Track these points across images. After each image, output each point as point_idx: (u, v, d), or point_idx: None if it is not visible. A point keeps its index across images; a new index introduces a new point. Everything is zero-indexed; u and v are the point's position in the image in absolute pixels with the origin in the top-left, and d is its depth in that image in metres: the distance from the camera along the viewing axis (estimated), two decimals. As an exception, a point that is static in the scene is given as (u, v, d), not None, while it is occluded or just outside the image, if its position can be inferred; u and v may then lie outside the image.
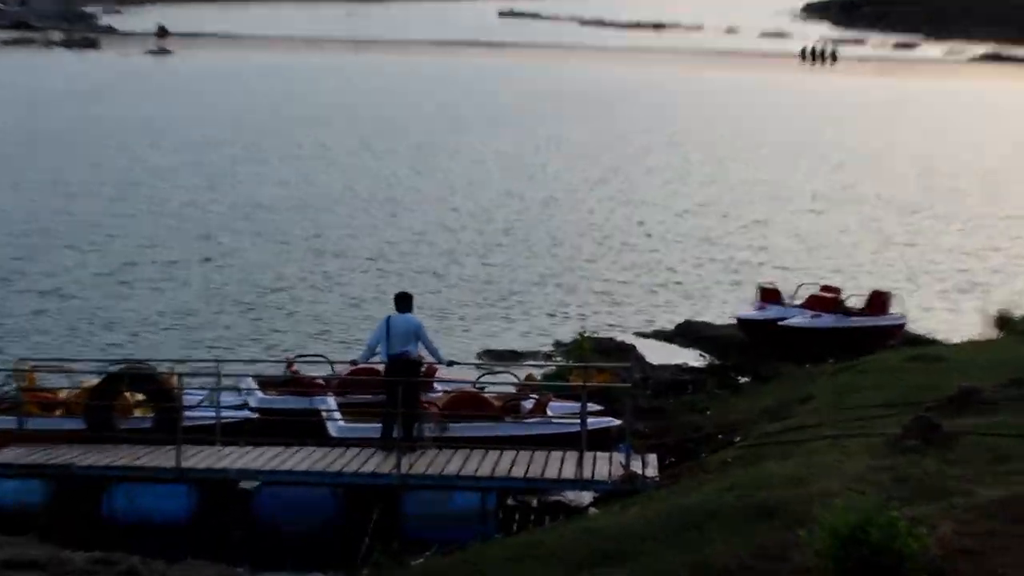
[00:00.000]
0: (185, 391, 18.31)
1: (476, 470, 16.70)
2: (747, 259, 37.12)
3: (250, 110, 76.23)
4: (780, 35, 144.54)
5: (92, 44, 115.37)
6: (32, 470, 16.78)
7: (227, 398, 19.31)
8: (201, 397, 18.98)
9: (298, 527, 16.35)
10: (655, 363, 25.32)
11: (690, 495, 14.24)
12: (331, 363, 21.44)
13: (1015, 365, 19.07)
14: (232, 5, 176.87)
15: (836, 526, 10.74)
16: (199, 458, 17.18)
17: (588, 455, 17.13)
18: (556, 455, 17.28)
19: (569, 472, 16.77)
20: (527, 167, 56.55)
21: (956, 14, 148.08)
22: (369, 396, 18.93)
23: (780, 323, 26.28)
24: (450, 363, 18.31)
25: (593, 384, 19.52)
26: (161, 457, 17.16)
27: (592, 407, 18.70)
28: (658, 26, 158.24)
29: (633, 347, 26.34)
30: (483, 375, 21.12)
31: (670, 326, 28.82)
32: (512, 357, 25.37)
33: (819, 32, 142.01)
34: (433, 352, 17.61)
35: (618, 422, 18.73)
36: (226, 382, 19.94)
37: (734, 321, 27.76)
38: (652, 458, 17.37)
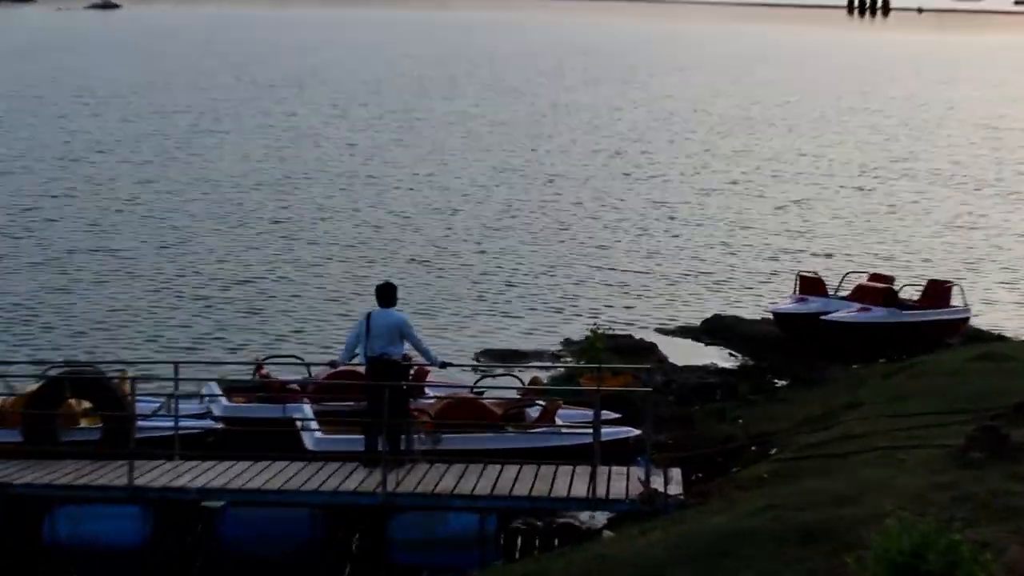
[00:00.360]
0: (138, 398, 18.36)
1: (473, 488, 16.66)
2: (784, 244, 37.19)
3: (209, 72, 76.42)
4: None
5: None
6: (-39, 490, 16.81)
7: (187, 406, 19.29)
8: (157, 405, 18.98)
9: (269, 553, 16.30)
10: (679, 364, 25.39)
11: (720, 516, 14.31)
12: (307, 365, 21.47)
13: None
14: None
15: (890, 551, 10.79)
16: (155, 475, 17.16)
17: (602, 470, 17.15)
18: (565, 470, 17.31)
19: (580, 490, 16.80)
20: (530, 138, 56.65)
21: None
22: (351, 403, 19.00)
23: (823, 318, 26.33)
24: (443, 364, 18.36)
25: (608, 388, 19.57)
26: (111, 474, 17.12)
27: (607, 415, 18.72)
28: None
29: (653, 346, 26.38)
30: (481, 378, 21.12)
31: (696, 322, 28.89)
32: (515, 358, 25.39)
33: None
34: (423, 352, 17.66)
35: (637, 432, 18.73)
36: (185, 387, 19.97)
37: (770, 316, 27.81)
38: (676, 473, 17.41)
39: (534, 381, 20.82)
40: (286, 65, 79.36)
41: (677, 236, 38.07)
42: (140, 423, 17.93)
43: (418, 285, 31.29)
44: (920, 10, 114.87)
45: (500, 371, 22.44)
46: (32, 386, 18.75)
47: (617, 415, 19.57)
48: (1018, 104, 70.46)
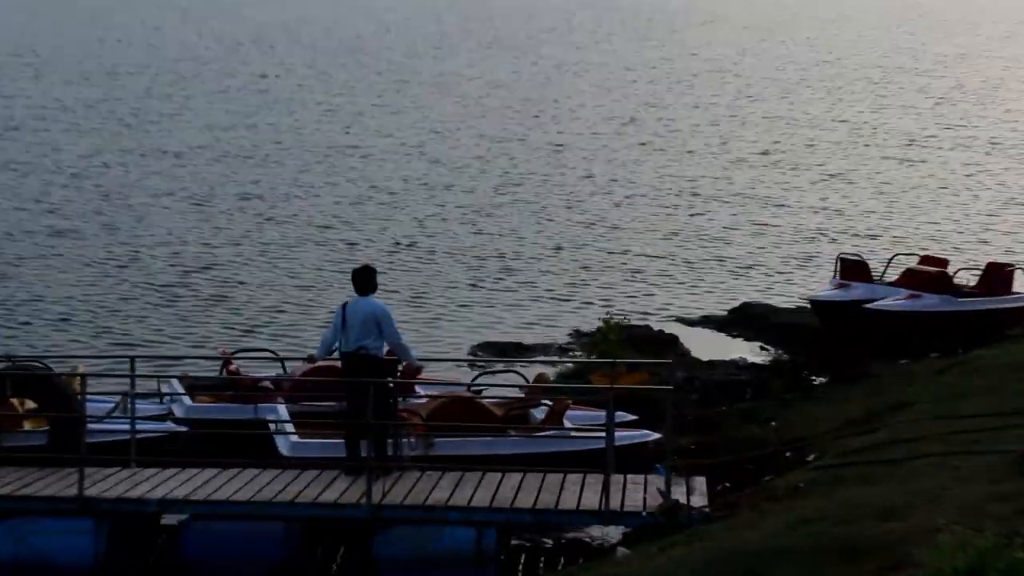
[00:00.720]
0: (89, 397, 18.41)
1: (470, 499, 16.66)
2: (823, 224, 37.24)
3: (167, 28, 76.41)
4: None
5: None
6: None
7: (144, 406, 19.33)
8: (111, 405, 19.02)
9: (238, 573, 16.30)
10: (703, 359, 25.46)
11: (750, 531, 14.36)
12: (281, 360, 21.50)
13: None
14: None
15: (943, 571, 10.83)
16: (109, 484, 17.17)
17: (616, 479, 17.20)
18: (575, 479, 17.36)
19: (591, 501, 16.84)
20: (532, 103, 56.69)
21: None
22: (331, 403, 19.05)
23: (867, 306, 26.38)
24: (418, 369, 18.16)
25: (623, 386, 19.61)
26: (59, 483, 17.10)
27: (621, 416, 18.78)
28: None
29: (674, 338, 26.44)
30: (480, 375, 21.18)
31: (722, 311, 28.96)
32: (517, 352, 25.45)
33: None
34: (399, 348, 17.51)
35: (655, 436, 18.78)
36: (143, 385, 20.00)
37: (806, 304, 27.87)
38: (700, 483, 17.45)
39: (539, 378, 20.83)
40: (255, 19, 79.37)
41: (700, 214, 38.12)
42: (91, 426, 17.97)
43: (406, 270, 31.34)
44: None
45: (501, 367, 22.48)
46: (-31, 384, 18.75)
47: (633, 417, 19.62)
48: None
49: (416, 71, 64.90)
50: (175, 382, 20.19)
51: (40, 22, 75.14)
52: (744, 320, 28.28)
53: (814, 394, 23.38)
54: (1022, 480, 14.66)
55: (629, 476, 17.55)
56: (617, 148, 47.60)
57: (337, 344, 17.59)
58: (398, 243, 34.02)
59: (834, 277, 27.78)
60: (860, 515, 13.95)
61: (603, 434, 17.21)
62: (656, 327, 27.13)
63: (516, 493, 16.94)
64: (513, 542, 17.60)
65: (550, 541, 17.89)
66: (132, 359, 19.05)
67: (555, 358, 25.06)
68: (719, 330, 28.01)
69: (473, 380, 20.60)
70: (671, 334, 26.75)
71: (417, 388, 20.04)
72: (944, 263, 27.91)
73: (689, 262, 33.16)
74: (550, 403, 19.32)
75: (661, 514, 16.46)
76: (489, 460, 17.83)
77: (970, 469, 15.45)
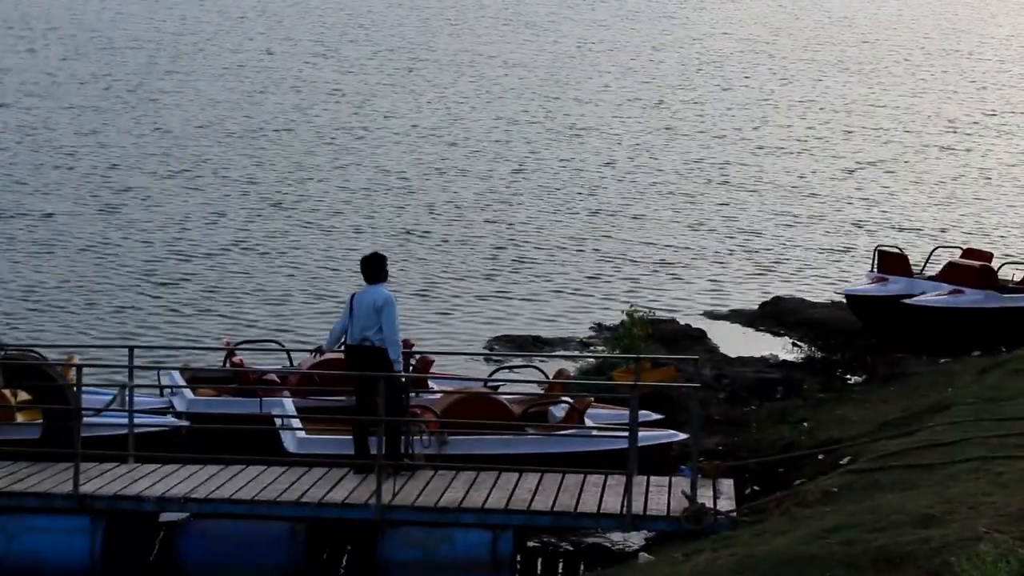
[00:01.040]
0: (86, 388, 18.48)
1: (485, 500, 16.70)
2: (859, 215, 37.23)
3: (167, 0, 76.43)
4: None
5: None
6: None
7: (143, 399, 19.41)
8: (108, 397, 19.09)
9: (240, 575, 16.67)
10: (732, 356, 25.50)
11: (780, 538, 14.38)
12: (287, 352, 21.58)
13: None
14: None
15: (984, 581, 10.87)
16: (105, 480, 17.22)
17: (639, 481, 17.25)
18: (595, 480, 17.40)
19: (613, 504, 16.88)
20: (552, 84, 56.68)
21: None
22: (340, 398, 19.12)
23: (906, 301, 26.38)
24: (390, 375, 17.77)
25: (647, 383, 19.66)
26: (53, 479, 17.16)
27: (645, 415, 18.83)
28: None
29: (702, 333, 26.51)
30: (497, 370, 21.22)
31: (753, 305, 28.99)
32: (536, 346, 25.51)
33: None
34: (387, 340, 17.36)
35: (681, 436, 18.85)
36: (142, 377, 20.10)
37: (842, 298, 27.89)
38: (727, 486, 17.49)
39: (560, 374, 20.90)
40: (260, -7, 79.48)
41: (729, 203, 38.12)
42: (88, 419, 18.05)
43: (419, 260, 31.39)
44: None
45: (519, 362, 22.53)
46: (-41, 375, 18.84)
47: (658, 416, 19.66)
48: None
49: (431, 49, 64.91)
50: (176, 374, 20.25)
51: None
52: (775, 315, 28.30)
53: (849, 394, 23.40)
54: (1068, 487, 14.68)
55: (653, 478, 17.58)
56: (642, 133, 47.60)
57: (348, 334, 17.63)
58: (410, 231, 34.06)
59: (871, 270, 27.78)
60: (896, 522, 13.97)
61: (626, 434, 17.24)
62: (682, 322, 27.19)
63: (534, 495, 16.97)
64: (530, 546, 17.65)
65: (569, 545, 17.95)
66: (131, 349, 19.09)
67: (576, 353, 25.10)
68: (749, 325, 28.04)
69: (490, 375, 20.66)
70: (698, 329, 26.80)
71: (431, 383, 20.13)
72: (988, 257, 27.88)
73: (718, 254, 33.17)
74: (570, 400, 19.36)
75: (686, 518, 16.49)
76: (506, 459, 17.87)
77: (1013, 475, 15.48)
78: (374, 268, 17.68)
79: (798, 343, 27.06)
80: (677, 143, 46.09)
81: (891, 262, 27.54)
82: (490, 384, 20.02)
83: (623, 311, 25.65)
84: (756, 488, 18.76)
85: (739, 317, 28.46)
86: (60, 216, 34.33)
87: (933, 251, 28.67)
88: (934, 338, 25.53)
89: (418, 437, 18.02)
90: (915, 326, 26.04)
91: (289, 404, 19.27)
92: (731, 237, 34.64)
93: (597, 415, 19.38)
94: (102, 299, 28.16)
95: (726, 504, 16.87)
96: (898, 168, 43.22)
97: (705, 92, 56.24)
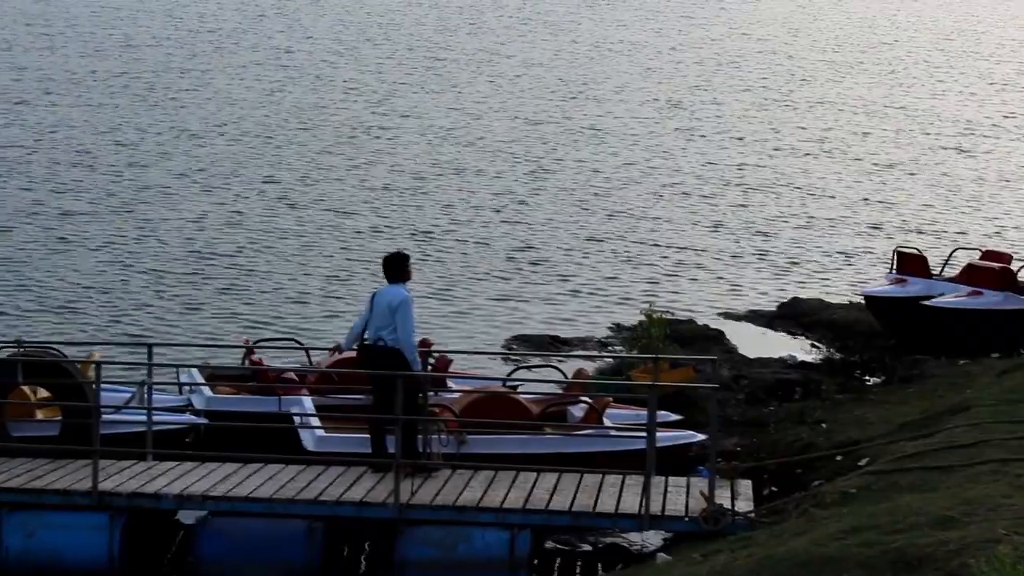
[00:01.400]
0: (104, 386, 18.52)
1: (503, 500, 16.75)
2: (878, 216, 37.19)
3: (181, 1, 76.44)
4: None
5: None
6: None
7: (162, 396, 19.53)
8: (127, 395, 19.11)
9: (257, 573, 16.39)
10: (750, 356, 25.50)
11: (798, 539, 14.39)
12: (306, 350, 21.66)
13: None
14: None
15: (1002, 584, 10.86)
16: (124, 478, 17.29)
17: (657, 481, 17.26)
18: (613, 481, 17.41)
19: (631, 504, 16.90)
20: (570, 84, 56.67)
21: None
22: (358, 396, 19.14)
23: (925, 303, 26.36)
24: (408, 374, 17.69)
25: (666, 384, 19.69)
26: (72, 476, 17.25)
27: (664, 416, 18.83)
28: None
29: (720, 334, 26.50)
30: (516, 370, 21.24)
31: (771, 306, 28.98)
32: (555, 346, 25.52)
33: None
34: (401, 341, 17.34)
35: (700, 437, 18.87)
36: (161, 374, 20.14)
37: (861, 299, 27.87)
38: (745, 487, 17.49)
39: (578, 374, 20.93)
40: (278, -9, 79.53)
41: (747, 204, 38.10)
42: (107, 416, 18.10)
43: (436, 260, 31.41)
44: None
45: (537, 361, 22.54)
46: (-23, 371, 18.88)
47: (677, 416, 19.67)
48: None
49: (449, 48, 64.93)
50: (195, 371, 20.27)
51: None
52: (794, 316, 28.29)
53: (867, 395, 23.40)
54: (1087, 489, 14.66)
55: (671, 479, 17.61)
56: (660, 133, 47.58)
57: (368, 333, 17.65)
58: (427, 232, 34.07)
59: (890, 271, 27.76)
60: (915, 524, 13.97)
61: (644, 434, 17.25)
62: (700, 322, 27.18)
63: (552, 494, 17.00)
64: (548, 546, 17.68)
65: (587, 545, 17.98)
66: (150, 346, 19.17)
67: (595, 353, 25.11)
68: (767, 326, 28.03)
69: (509, 375, 20.69)
70: (716, 330, 26.80)
71: (450, 382, 20.15)
72: (1007, 258, 27.84)
73: (736, 254, 33.15)
74: (589, 400, 19.38)
75: (704, 519, 16.52)
76: (524, 459, 17.90)
77: (1033, 477, 15.47)
78: (394, 267, 17.73)
79: (816, 344, 27.05)
80: (695, 144, 46.06)
81: (910, 263, 27.52)
82: (509, 384, 20.04)
83: (641, 311, 25.68)
84: (774, 489, 18.78)
85: (757, 318, 28.45)
86: (78, 214, 34.39)
87: (952, 253, 28.63)
88: (953, 340, 25.51)
89: (437, 436, 18.04)
90: (934, 327, 26.02)
91: (308, 402, 19.32)
92: (749, 238, 34.62)
93: (615, 415, 19.41)
94: (121, 297, 28.22)
95: (744, 505, 16.90)
96: (917, 170, 43.16)
97: (723, 93, 56.19)
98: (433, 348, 20.24)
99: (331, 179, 39.25)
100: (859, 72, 61.42)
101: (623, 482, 17.41)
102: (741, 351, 25.79)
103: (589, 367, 22.92)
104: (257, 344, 21.61)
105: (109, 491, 16.97)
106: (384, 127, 46.89)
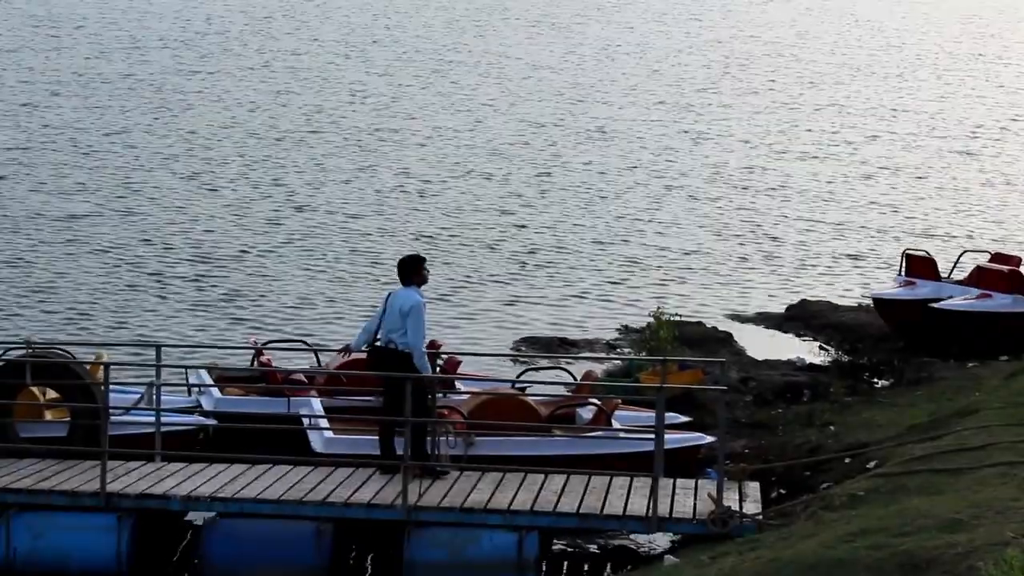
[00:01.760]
0: (113, 387, 18.54)
1: (511, 502, 16.76)
2: (886, 219, 37.18)
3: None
4: None
5: None
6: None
7: (171, 397, 19.54)
8: (136, 396, 19.16)
9: (266, 575, 16.46)
10: (759, 359, 25.50)
11: (806, 541, 14.39)
12: (315, 351, 21.71)
13: None
14: None
15: (1011, 586, 10.86)
16: (132, 479, 17.30)
17: (665, 483, 17.26)
18: (621, 483, 17.42)
19: (639, 506, 16.90)
20: (575, 86, 56.69)
21: None
22: (368, 398, 19.16)
23: (934, 305, 26.35)
24: (417, 376, 17.72)
25: (674, 386, 19.72)
26: (79, 477, 17.27)
27: (672, 417, 18.85)
28: None
29: (728, 336, 26.50)
30: (524, 372, 21.25)
31: (779, 308, 28.97)
32: (563, 348, 25.52)
33: None
34: (411, 346, 17.29)
35: (708, 439, 18.88)
36: (169, 376, 20.16)
37: (869, 302, 27.87)
38: (753, 489, 17.49)
39: (587, 376, 20.93)
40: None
41: (755, 207, 38.10)
42: (115, 417, 18.12)
43: (445, 263, 31.41)
44: None
45: (546, 363, 22.53)
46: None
47: (685, 418, 19.66)
48: None
49: (456, 50, 64.95)
50: (203, 373, 20.28)
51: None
52: (802, 318, 28.28)
53: (876, 397, 23.38)
54: (1097, 492, 14.66)
55: (679, 481, 17.61)
56: (667, 136, 47.58)
57: (380, 335, 17.63)
58: (435, 234, 34.07)
59: (899, 274, 27.75)
60: (923, 527, 13.98)
61: (652, 436, 17.26)
62: (709, 324, 27.17)
63: (560, 496, 17.00)
64: (556, 547, 17.69)
65: (595, 547, 17.98)
66: (158, 347, 19.16)
67: (603, 355, 25.13)
68: (776, 328, 28.03)
69: (518, 377, 20.69)
70: (725, 332, 26.80)
71: (459, 384, 20.16)
72: (1016, 261, 27.83)
73: (744, 257, 33.16)
74: (597, 402, 19.39)
75: (712, 521, 16.52)
76: (532, 461, 17.90)
77: (1041, 480, 15.47)
78: (406, 270, 17.74)
79: (825, 346, 27.05)
80: (702, 147, 46.07)
81: (919, 266, 27.52)
82: (517, 385, 20.05)
83: (649, 313, 25.69)
84: (782, 491, 18.78)
85: (766, 320, 28.46)
86: (86, 216, 34.42)
87: (961, 255, 28.62)
88: (962, 342, 25.50)
89: (445, 438, 18.06)
90: (943, 330, 26.01)
91: (317, 404, 19.33)
92: (757, 240, 34.63)
93: (624, 417, 19.40)
94: (129, 298, 28.25)
95: (752, 507, 16.90)
96: (925, 173, 43.15)
97: (730, 96, 56.19)
98: (442, 350, 20.25)
99: (339, 181, 39.29)
100: (867, 75, 61.39)
101: (631, 484, 17.41)
102: (749, 353, 25.79)
103: (598, 369, 22.92)
104: (266, 346, 21.62)
105: (117, 492, 16.98)
106: (392, 129, 46.91)
